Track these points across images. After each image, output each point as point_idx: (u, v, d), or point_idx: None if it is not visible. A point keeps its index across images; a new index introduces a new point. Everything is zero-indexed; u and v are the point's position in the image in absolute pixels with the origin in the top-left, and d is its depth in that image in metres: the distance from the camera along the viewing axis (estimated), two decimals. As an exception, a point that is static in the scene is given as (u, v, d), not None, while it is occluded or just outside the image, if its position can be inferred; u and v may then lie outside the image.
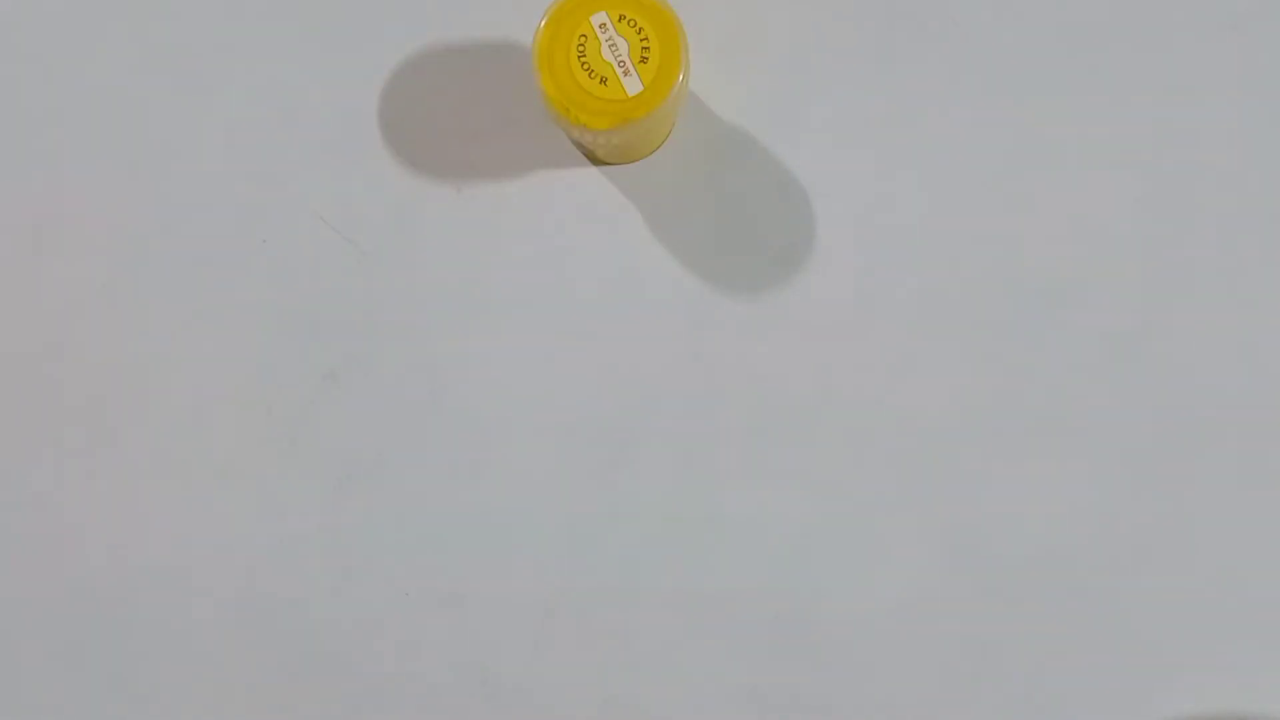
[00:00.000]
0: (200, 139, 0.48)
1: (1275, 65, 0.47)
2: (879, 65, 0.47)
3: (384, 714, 0.47)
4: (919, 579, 0.46)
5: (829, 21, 0.47)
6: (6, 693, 0.47)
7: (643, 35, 0.41)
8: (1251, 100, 0.47)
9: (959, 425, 0.47)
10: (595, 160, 0.47)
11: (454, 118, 0.47)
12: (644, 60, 0.41)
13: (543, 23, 0.41)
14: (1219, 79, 0.47)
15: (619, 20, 0.41)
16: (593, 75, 0.41)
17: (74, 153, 0.48)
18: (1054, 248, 0.47)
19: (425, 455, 0.47)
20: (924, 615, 0.46)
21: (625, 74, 0.41)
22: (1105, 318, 0.47)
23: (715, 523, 0.47)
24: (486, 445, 0.47)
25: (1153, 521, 0.46)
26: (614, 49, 0.41)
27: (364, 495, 0.47)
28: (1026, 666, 0.46)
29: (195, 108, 0.48)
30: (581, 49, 0.41)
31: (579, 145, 0.47)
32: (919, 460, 0.47)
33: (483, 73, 0.47)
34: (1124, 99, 0.47)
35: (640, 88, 0.41)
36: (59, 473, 0.47)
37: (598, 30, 0.41)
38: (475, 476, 0.47)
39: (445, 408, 0.47)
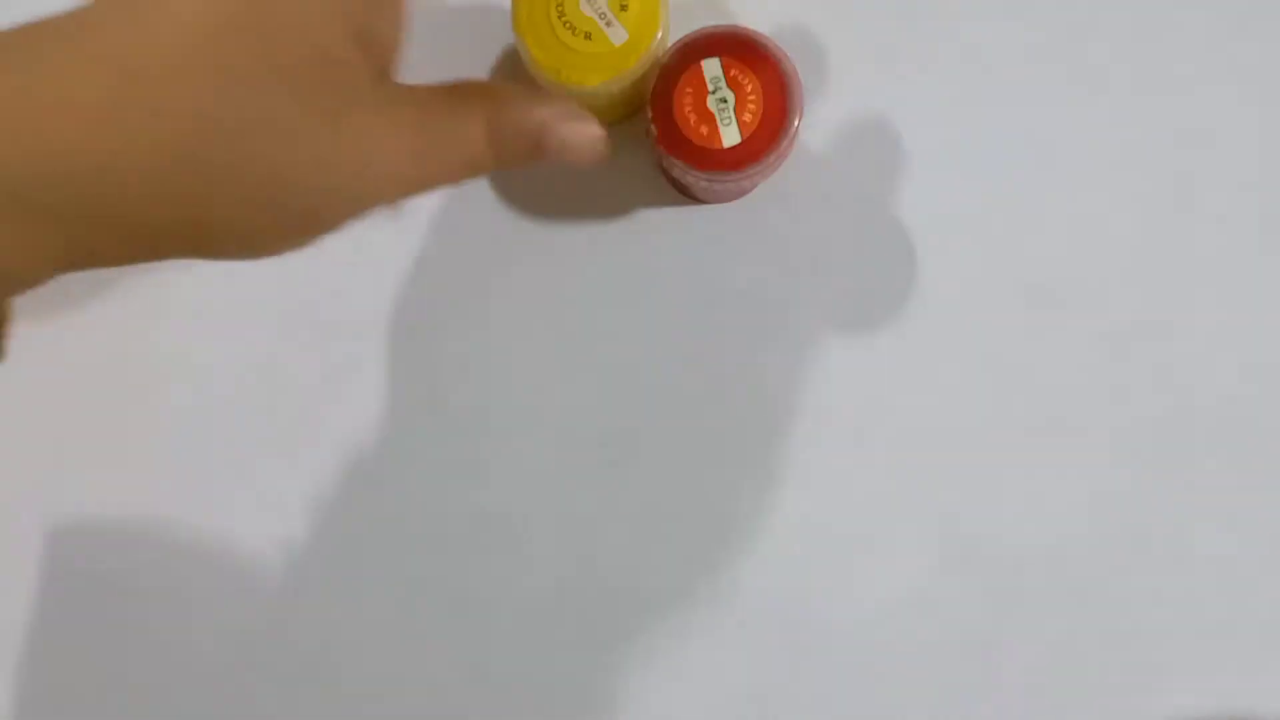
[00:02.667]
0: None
1: (1275, 65, 0.47)
2: (875, 68, 0.47)
3: (384, 714, 0.47)
4: (919, 579, 0.46)
5: (831, 21, 0.47)
6: (8, 692, 0.47)
7: None
8: (1251, 100, 0.47)
9: (959, 425, 0.47)
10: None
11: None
12: (624, 8, 0.41)
13: None
14: (1219, 79, 0.47)
15: None
16: (576, 32, 0.41)
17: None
18: (1054, 248, 0.47)
19: (425, 455, 0.47)
20: (924, 615, 0.46)
21: (608, 25, 0.41)
22: (1105, 318, 0.47)
23: (716, 522, 0.47)
24: (486, 445, 0.47)
25: (1152, 521, 0.46)
26: (591, 2, 0.41)
27: (364, 495, 0.47)
28: (1026, 666, 0.46)
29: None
30: (560, 9, 0.41)
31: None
32: (919, 460, 0.46)
33: (481, 67, 0.47)
34: (1124, 100, 0.47)
35: (625, 36, 0.41)
36: (59, 473, 0.47)
37: None
38: (475, 476, 0.47)
39: (445, 408, 0.47)
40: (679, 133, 0.42)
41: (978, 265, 0.47)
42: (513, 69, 0.47)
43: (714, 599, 0.46)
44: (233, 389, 0.47)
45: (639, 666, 0.47)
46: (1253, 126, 0.47)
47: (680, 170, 0.42)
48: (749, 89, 0.41)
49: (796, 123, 0.41)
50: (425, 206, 0.47)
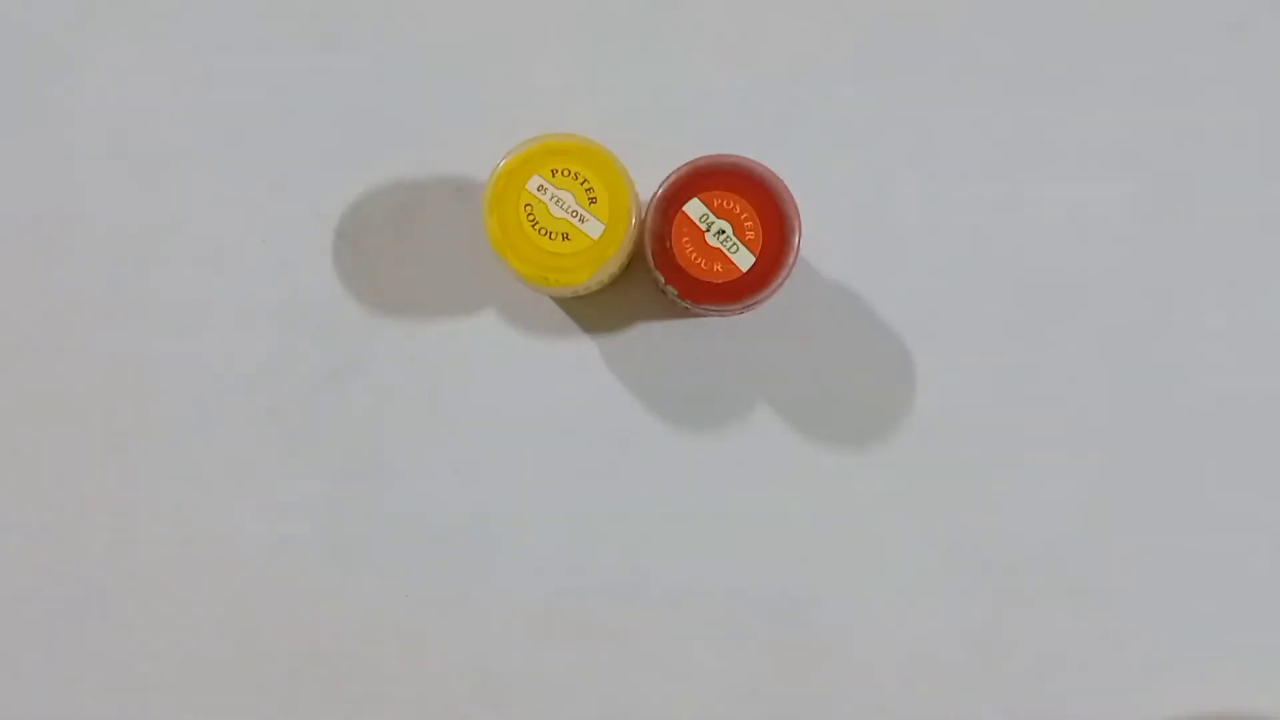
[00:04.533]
0: (201, 138, 0.48)
1: (1275, 65, 0.47)
2: (874, 67, 0.47)
3: (384, 714, 0.47)
4: (919, 579, 0.47)
5: (815, 29, 0.47)
6: (7, 693, 0.47)
7: (580, 179, 0.40)
8: (1251, 100, 0.47)
9: (959, 425, 0.47)
10: None
11: (451, 114, 0.47)
12: (593, 200, 0.41)
13: (487, 213, 0.41)
14: (1219, 79, 0.47)
15: (555, 175, 0.40)
16: (553, 236, 0.40)
17: (75, 153, 0.48)
18: (1054, 248, 0.47)
19: (425, 455, 0.47)
20: (924, 615, 0.46)
21: (582, 221, 0.41)
22: (1105, 318, 0.47)
23: (715, 523, 0.47)
24: (486, 445, 0.47)
25: (1152, 520, 0.46)
26: (560, 204, 0.41)
27: (364, 495, 0.47)
28: (1026, 666, 0.46)
29: (196, 107, 0.48)
30: (532, 218, 0.40)
31: None
32: (919, 460, 0.47)
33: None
34: (1123, 100, 0.47)
35: (602, 225, 0.41)
36: (59, 473, 0.47)
37: (538, 194, 0.40)
38: (475, 476, 0.47)
39: (445, 408, 0.47)
40: (698, 282, 0.41)
41: (975, 263, 0.47)
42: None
43: (713, 599, 0.47)
44: (232, 389, 0.47)
45: (638, 666, 0.47)
46: (1253, 126, 0.47)
47: (716, 310, 0.42)
48: (738, 209, 0.41)
49: (795, 205, 0.41)
50: (425, 206, 0.47)
